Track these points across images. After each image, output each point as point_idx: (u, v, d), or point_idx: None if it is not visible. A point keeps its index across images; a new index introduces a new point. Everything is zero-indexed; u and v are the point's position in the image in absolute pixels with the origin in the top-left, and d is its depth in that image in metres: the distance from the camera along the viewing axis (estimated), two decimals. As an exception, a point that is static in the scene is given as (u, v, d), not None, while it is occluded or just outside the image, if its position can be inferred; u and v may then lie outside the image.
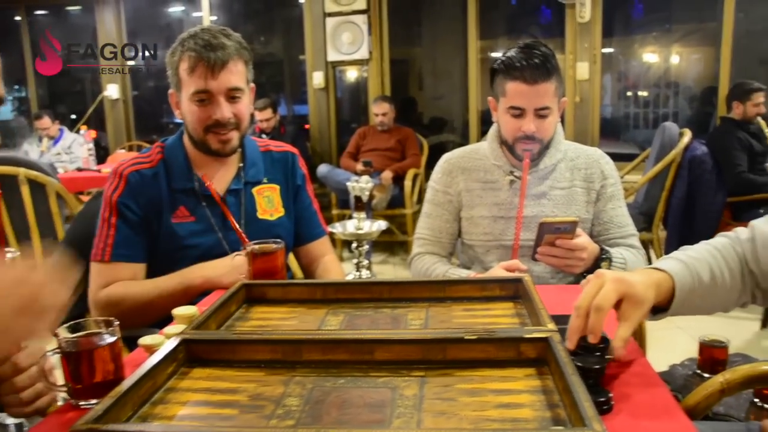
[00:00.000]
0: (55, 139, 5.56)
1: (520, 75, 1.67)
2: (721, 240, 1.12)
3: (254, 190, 1.72)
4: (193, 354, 1.02)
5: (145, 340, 1.11)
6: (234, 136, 1.62)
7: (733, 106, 3.97)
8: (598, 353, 0.93)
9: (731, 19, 4.59)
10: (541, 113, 1.70)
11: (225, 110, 1.57)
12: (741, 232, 1.12)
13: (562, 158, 1.81)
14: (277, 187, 1.75)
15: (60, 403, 1.04)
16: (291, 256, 1.87)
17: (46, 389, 0.98)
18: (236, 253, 1.54)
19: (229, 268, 1.52)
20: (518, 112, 1.71)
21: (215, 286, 1.51)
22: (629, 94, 6.94)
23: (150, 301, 1.53)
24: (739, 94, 3.96)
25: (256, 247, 1.43)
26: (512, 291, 1.26)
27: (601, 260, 1.65)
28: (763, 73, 4.92)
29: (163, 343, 1.05)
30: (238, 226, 1.62)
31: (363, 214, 1.97)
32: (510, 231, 1.77)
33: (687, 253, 1.11)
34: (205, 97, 1.57)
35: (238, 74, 1.58)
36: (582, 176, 1.80)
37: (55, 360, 0.96)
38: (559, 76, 1.71)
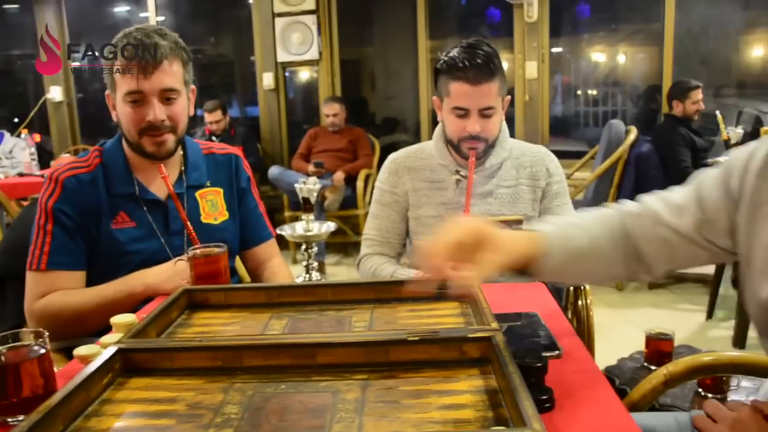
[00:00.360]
0: (-5, 144, 5.37)
1: (464, 75, 1.67)
2: (608, 211, 1.11)
3: (197, 193, 1.67)
4: (130, 363, 0.99)
5: (80, 350, 1.07)
6: (169, 139, 1.58)
7: (673, 104, 4.07)
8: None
9: (672, 20, 4.70)
10: (485, 113, 1.70)
11: (158, 112, 1.53)
12: (630, 205, 1.09)
13: (507, 156, 1.82)
14: (221, 190, 1.71)
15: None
16: (238, 261, 1.84)
17: None
18: (178, 258, 1.50)
19: (171, 274, 1.48)
20: (462, 113, 1.71)
21: (157, 292, 1.47)
22: (578, 92, 7.07)
23: (90, 310, 1.48)
24: (677, 93, 4.06)
25: (198, 251, 1.40)
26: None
27: None
28: (703, 72, 5.06)
29: (99, 353, 1.01)
30: (181, 230, 1.58)
31: (311, 216, 1.95)
32: None
33: (571, 220, 1.12)
34: (138, 98, 1.52)
35: (172, 75, 1.54)
36: (527, 174, 1.82)
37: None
38: (502, 75, 1.71)
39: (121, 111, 1.56)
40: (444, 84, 1.73)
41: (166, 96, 1.54)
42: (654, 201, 1.07)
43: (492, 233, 0.97)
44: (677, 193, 1.05)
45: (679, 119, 4.02)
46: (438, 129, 1.87)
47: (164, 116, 1.54)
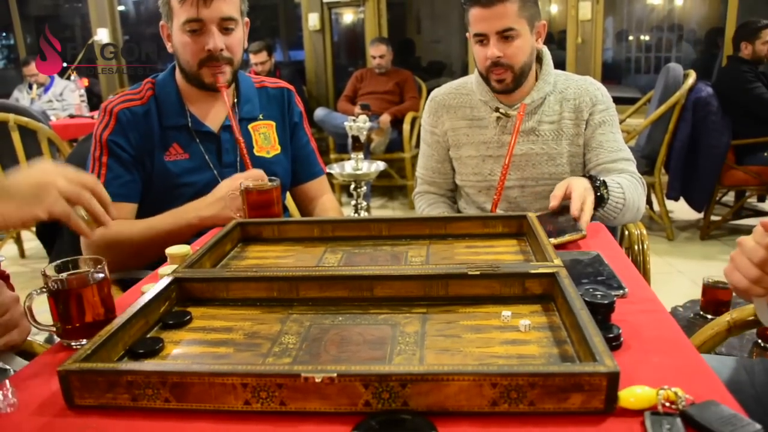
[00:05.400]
0: (46, 87, 5.44)
1: (477, 0, 1.61)
2: None
3: (250, 126, 1.66)
4: (186, 293, 0.99)
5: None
6: (227, 71, 1.55)
7: (741, 46, 3.86)
8: None
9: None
10: (504, 36, 1.61)
11: (218, 41, 1.50)
12: None
13: (551, 90, 1.72)
14: (273, 123, 1.69)
15: (38, 339, 1.01)
16: (288, 197, 1.83)
17: (27, 327, 0.94)
18: (231, 190, 1.48)
19: (224, 205, 1.47)
20: (482, 39, 1.64)
21: (210, 224, 1.47)
22: (631, 38, 6.79)
23: (144, 241, 1.48)
24: (746, 34, 3.84)
25: (251, 184, 1.38)
26: (515, 228, 1.22)
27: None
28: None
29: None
30: (233, 162, 1.57)
31: (361, 155, 1.92)
32: (498, 170, 1.71)
33: None
34: (197, 27, 1.49)
35: (231, 3, 1.51)
36: (571, 107, 1.71)
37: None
38: None
39: (178, 41, 1.54)
40: (466, 16, 1.66)
41: (225, 25, 1.51)
42: None
43: None
44: None
45: (745, 61, 3.81)
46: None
47: (223, 45, 1.51)
